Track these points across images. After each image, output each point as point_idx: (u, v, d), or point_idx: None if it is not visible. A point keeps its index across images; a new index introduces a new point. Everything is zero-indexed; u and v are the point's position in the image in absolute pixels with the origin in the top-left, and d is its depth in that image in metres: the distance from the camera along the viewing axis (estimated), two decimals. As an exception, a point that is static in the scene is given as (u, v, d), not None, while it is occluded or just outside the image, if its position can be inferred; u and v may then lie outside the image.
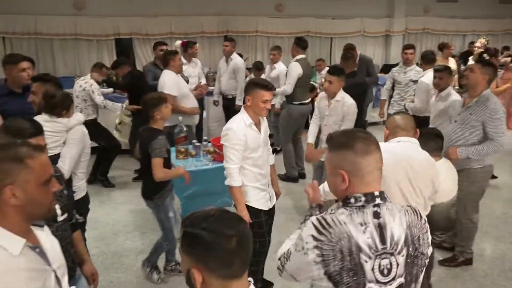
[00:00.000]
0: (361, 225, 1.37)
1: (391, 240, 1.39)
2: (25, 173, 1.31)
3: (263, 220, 3.03)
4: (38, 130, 2.08)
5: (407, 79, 5.56)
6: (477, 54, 7.37)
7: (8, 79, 3.50)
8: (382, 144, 1.55)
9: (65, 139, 2.87)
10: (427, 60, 5.19)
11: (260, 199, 3.01)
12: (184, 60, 5.60)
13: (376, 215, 1.39)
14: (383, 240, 1.38)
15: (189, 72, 5.84)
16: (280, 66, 6.20)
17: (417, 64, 5.77)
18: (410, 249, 1.42)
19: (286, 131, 5.66)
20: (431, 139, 3.10)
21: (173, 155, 4.11)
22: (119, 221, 4.60)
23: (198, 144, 4.64)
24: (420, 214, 1.51)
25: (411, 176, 2.20)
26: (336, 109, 4.02)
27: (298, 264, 1.43)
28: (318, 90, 6.89)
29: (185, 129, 4.49)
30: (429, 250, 1.50)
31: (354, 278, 1.35)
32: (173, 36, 8.14)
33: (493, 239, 4.18)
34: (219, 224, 1.12)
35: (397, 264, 1.40)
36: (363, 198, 1.41)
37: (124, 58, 6.85)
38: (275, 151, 6.28)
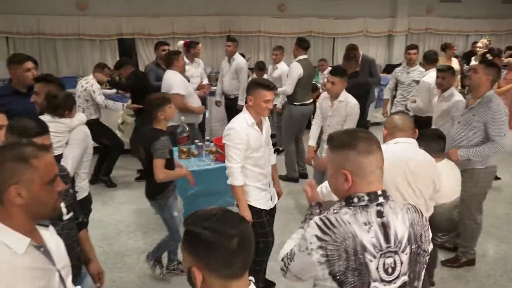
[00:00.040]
0: (365, 224, 1.37)
1: (395, 239, 1.39)
2: (30, 173, 1.32)
3: (265, 220, 3.03)
4: (44, 129, 2.08)
5: (410, 79, 5.54)
6: (480, 54, 7.34)
7: (13, 79, 3.53)
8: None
9: (67, 139, 2.88)
10: (429, 60, 5.19)
11: (261, 199, 3.02)
12: (186, 60, 5.61)
13: (380, 214, 1.40)
14: (387, 239, 1.38)
15: (191, 72, 5.85)
16: (282, 66, 6.20)
17: (420, 64, 5.76)
18: (413, 247, 1.43)
19: (287, 131, 5.66)
20: (433, 140, 3.10)
21: (175, 155, 4.11)
22: (121, 221, 4.61)
23: (200, 144, 4.65)
24: (420, 211, 1.52)
25: (409, 178, 2.20)
26: (339, 110, 4.01)
27: (302, 265, 1.43)
28: (320, 90, 6.88)
29: (187, 128, 4.50)
30: (430, 247, 1.51)
31: (359, 277, 1.36)
32: (175, 36, 8.15)
33: (495, 239, 4.17)
34: (221, 224, 1.12)
35: (401, 263, 1.41)
36: (366, 198, 1.41)
37: (127, 58, 6.86)
38: (277, 151, 6.29)
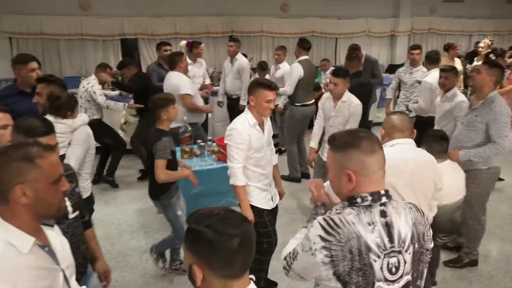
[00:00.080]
0: (369, 224, 1.37)
1: (398, 238, 1.40)
2: (35, 173, 1.33)
3: (266, 220, 3.04)
4: (49, 128, 2.09)
5: (413, 79, 5.54)
6: (483, 54, 7.31)
7: (17, 79, 3.55)
8: None
9: (70, 140, 2.89)
10: (431, 60, 5.18)
11: (261, 199, 3.02)
12: (189, 61, 5.63)
13: (383, 214, 1.40)
14: (391, 238, 1.39)
15: (194, 73, 5.86)
16: (285, 67, 6.20)
17: (423, 64, 5.75)
18: (416, 246, 1.44)
19: (289, 132, 5.67)
20: (435, 141, 3.09)
21: (178, 155, 4.11)
22: (124, 220, 4.62)
23: (202, 144, 4.66)
24: (422, 211, 1.52)
25: (409, 178, 2.17)
26: (342, 110, 4.01)
27: (305, 264, 1.43)
28: (323, 90, 6.88)
29: (189, 128, 4.51)
30: (431, 245, 1.51)
31: (363, 277, 1.36)
32: (178, 36, 8.16)
33: (498, 240, 4.16)
34: (222, 223, 1.13)
35: (405, 262, 1.41)
36: (369, 198, 1.41)
37: (130, 58, 6.87)
38: (279, 151, 6.29)
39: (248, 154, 2.88)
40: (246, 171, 2.92)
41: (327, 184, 2.18)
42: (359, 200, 1.41)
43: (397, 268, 1.40)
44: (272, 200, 3.11)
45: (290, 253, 1.52)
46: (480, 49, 7.52)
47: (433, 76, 4.75)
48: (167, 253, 3.63)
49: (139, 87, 5.39)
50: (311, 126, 4.76)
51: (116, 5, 7.77)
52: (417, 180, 2.20)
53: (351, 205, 1.42)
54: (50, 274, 1.40)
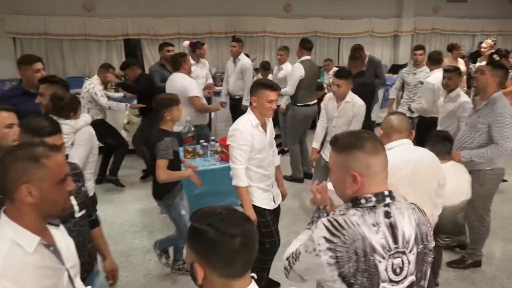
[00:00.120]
0: (374, 225, 1.37)
1: (402, 239, 1.40)
2: (40, 172, 1.34)
3: (269, 219, 3.04)
4: (56, 128, 2.11)
5: (416, 80, 5.53)
6: (487, 55, 7.28)
7: (23, 80, 3.58)
8: None
9: (73, 140, 2.90)
10: (433, 60, 5.16)
11: (263, 199, 3.02)
12: (192, 61, 5.63)
13: (387, 214, 1.40)
14: (395, 239, 1.39)
15: (197, 73, 5.87)
16: (287, 67, 6.19)
17: (426, 65, 5.74)
18: (420, 246, 1.44)
19: (291, 132, 5.67)
20: (438, 142, 3.08)
21: (181, 155, 4.12)
22: (126, 220, 4.63)
23: (205, 144, 4.66)
24: (423, 211, 1.53)
25: (408, 180, 2.16)
26: (345, 110, 4.00)
27: (309, 265, 1.42)
28: (326, 91, 6.88)
29: (192, 128, 4.51)
30: (432, 245, 1.51)
31: (368, 278, 1.36)
32: (181, 36, 8.16)
33: (502, 241, 4.15)
34: (224, 223, 1.13)
35: (409, 262, 1.41)
36: (373, 199, 1.41)
37: (133, 59, 6.88)
38: (282, 152, 6.30)
39: (251, 155, 2.88)
40: (249, 172, 2.92)
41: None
42: (363, 201, 1.41)
43: (402, 269, 1.40)
44: (274, 200, 3.11)
45: (292, 253, 1.52)
46: (482, 49, 7.48)
47: (435, 76, 4.74)
48: (171, 252, 3.63)
49: (146, 87, 5.39)
50: (313, 126, 4.75)
51: (119, 5, 7.79)
52: (417, 181, 2.20)
53: (355, 206, 1.42)
54: (54, 273, 1.41)
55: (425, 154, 2.34)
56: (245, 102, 5.95)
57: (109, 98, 5.52)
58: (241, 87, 6.10)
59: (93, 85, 5.27)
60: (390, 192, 1.44)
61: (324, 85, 7.24)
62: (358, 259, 1.34)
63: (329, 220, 1.38)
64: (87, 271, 2.02)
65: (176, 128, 3.83)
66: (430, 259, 1.49)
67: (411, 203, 1.53)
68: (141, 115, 5.72)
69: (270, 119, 3.06)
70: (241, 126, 2.86)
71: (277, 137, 3.26)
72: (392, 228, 1.39)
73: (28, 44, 7.44)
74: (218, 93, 6.57)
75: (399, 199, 1.49)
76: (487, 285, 3.51)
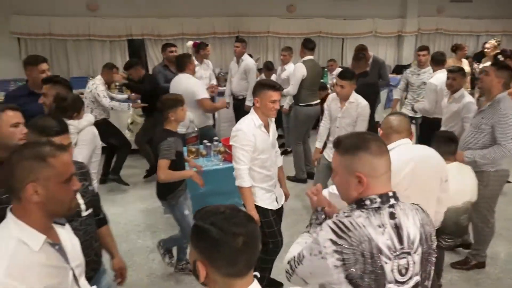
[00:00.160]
0: (380, 227, 1.37)
1: (407, 240, 1.40)
2: (47, 171, 1.35)
3: (272, 219, 3.04)
4: (64, 128, 2.12)
5: (419, 81, 5.52)
6: (492, 55, 7.25)
7: (29, 80, 3.60)
8: None
9: (76, 140, 2.91)
10: (436, 61, 5.14)
11: (266, 200, 3.03)
12: (196, 62, 5.63)
13: (392, 215, 1.40)
14: (400, 240, 1.39)
15: (200, 74, 5.87)
16: (290, 67, 6.18)
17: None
18: (425, 247, 1.44)
19: (294, 132, 5.66)
20: (443, 142, 3.07)
21: (185, 155, 4.12)
22: (130, 220, 4.64)
23: (209, 144, 4.67)
24: (426, 212, 1.53)
25: (409, 180, 2.16)
26: (349, 111, 3.99)
27: (313, 269, 1.42)
28: (329, 91, 6.87)
29: (196, 128, 4.52)
30: (435, 244, 1.51)
31: (375, 280, 1.36)
32: (184, 36, 8.18)
33: (506, 242, 4.13)
34: (228, 222, 1.13)
35: (414, 263, 1.41)
36: (378, 200, 1.41)
37: (137, 59, 6.89)
38: (285, 152, 6.29)
39: (253, 155, 2.88)
40: (252, 172, 2.92)
41: (326, 191, 2.17)
42: (368, 202, 1.41)
43: (407, 270, 1.40)
44: (276, 201, 3.12)
45: (294, 257, 1.50)
46: (486, 50, 7.45)
47: (438, 77, 4.73)
48: (174, 251, 3.63)
49: (149, 87, 5.39)
50: (315, 126, 4.75)
51: (123, 6, 7.82)
52: (418, 180, 2.19)
53: (360, 207, 1.41)
54: (60, 272, 1.42)
55: (425, 151, 2.33)
56: (248, 103, 5.95)
57: (112, 99, 5.53)
58: (245, 87, 6.10)
59: (95, 86, 5.28)
60: (394, 193, 1.44)
61: (328, 85, 7.23)
62: (365, 261, 1.34)
63: (334, 223, 1.38)
64: (93, 270, 2.03)
65: (181, 130, 3.82)
66: (433, 259, 1.49)
67: (414, 204, 1.53)
68: (145, 115, 5.73)
69: (273, 120, 3.06)
70: (244, 127, 2.86)
71: (280, 137, 3.25)
72: (397, 229, 1.39)
73: (33, 44, 7.48)
74: (222, 93, 6.58)
75: (402, 199, 1.48)
76: (491, 286, 3.50)
